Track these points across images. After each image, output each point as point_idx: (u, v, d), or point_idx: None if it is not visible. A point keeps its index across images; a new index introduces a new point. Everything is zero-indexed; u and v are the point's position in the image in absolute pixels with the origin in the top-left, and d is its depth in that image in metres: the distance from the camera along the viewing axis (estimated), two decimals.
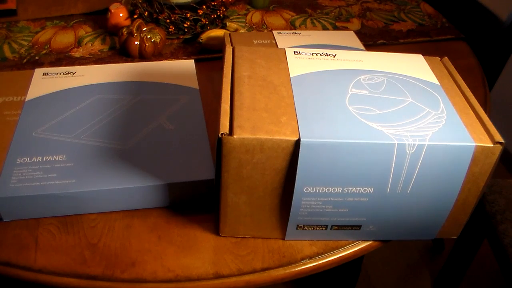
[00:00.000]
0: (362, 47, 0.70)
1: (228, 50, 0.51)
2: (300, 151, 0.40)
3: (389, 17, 0.96)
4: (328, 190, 0.43)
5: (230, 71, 0.47)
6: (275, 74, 0.48)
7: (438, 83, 0.49)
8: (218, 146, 0.40)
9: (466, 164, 0.42)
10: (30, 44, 0.81)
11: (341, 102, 0.45)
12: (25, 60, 0.76)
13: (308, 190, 0.43)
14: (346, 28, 0.90)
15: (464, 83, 0.49)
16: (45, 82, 0.62)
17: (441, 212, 0.46)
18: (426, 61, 0.53)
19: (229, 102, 0.43)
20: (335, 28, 0.91)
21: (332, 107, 0.44)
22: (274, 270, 0.46)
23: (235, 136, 0.39)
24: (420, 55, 0.54)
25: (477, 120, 0.44)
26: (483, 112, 0.45)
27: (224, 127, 0.40)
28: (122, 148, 0.52)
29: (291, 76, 0.48)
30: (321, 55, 0.52)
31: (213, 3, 0.88)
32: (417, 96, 0.46)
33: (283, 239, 0.48)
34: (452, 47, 0.87)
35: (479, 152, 0.41)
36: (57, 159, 0.50)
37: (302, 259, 0.47)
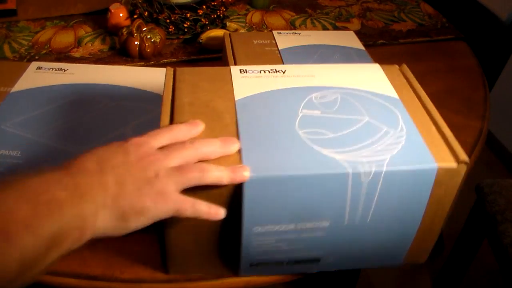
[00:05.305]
0: (362, 47, 0.70)
1: (169, 73, 0.46)
2: (244, 187, 0.36)
3: (389, 17, 0.96)
4: (280, 228, 0.39)
5: (170, 98, 0.43)
6: (220, 98, 0.43)
7: (397, 97, 0.45)
8: None
9: (429, 188, 0.38)
10: (30, 44, 0.81)
11: (290, 126, 0.40)
12: (25, 60, 0.76)
13: (258, 230, 0.39)
14: (346, 28, 0.90)
15: (425, 93, 0.45)
16: (35, 76, 0.62)
17: (405, 239, 0.42)
18: (384, 70, 0.49)
19: None
20: (335, 28, 0.91)
21: (280, 133, 0.40)
22: None
23: None
24: (377, 65, 0.50)
25: (440, 137, 0.40)
26: (447, 127, 0.41)
27: None
28: (79, 153, 0.51)
29: (236, 99, 0.43)
30: (269, 72, 0.48)
31: (213, 3, 0.88)
32: (375, 113, 0.42)
33: (237, 276, 0.44)
34: (452, 47, 0.87)
35: (442, 174, 0.38)
36: (11, 154, 0.50)
37: None
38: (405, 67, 0.49)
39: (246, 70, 0.48)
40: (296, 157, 0.37)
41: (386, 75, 0.48)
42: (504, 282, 0.85)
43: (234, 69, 0.48)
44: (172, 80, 0.46)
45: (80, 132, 0.54)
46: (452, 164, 0.38)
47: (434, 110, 0.43)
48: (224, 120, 0.41)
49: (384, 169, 0.37)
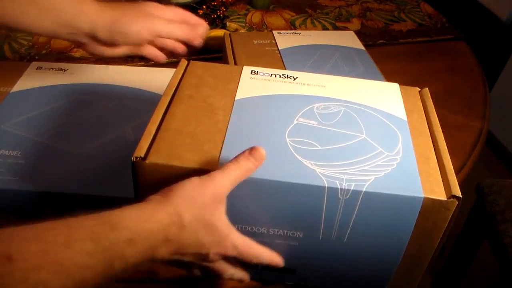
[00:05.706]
0: (362, 47, 0.70)
1: (181, 65, 0.47)
2: None
3: (389, 17, 0.96)
4: (252, 229, 0.38)
5: (173, 89, 0.44)
6: (220, 95, 0.43)
7: (405, 119, 0.43)
8: (132, 169, 0.37)
9: (413, 218, 0.36)
10: (30, 43, 0.81)
11: (280, 132, 0.40)
12: (25, 60, 0.76)
13: None
14: (346, 28, 0.90)
15: (437, 121, 0.43)
16: (36, 76, 0.62)
17: (387, 266, 0.40)
18: (402, 91, 0.47)
19: (157, 124, 0.39)
20: (335, 28, 0.91)
21: (268, 138, 0.39)
22: None
23: (147, 162, 0.36)
24: (396, 84, 0.48)
25: (437, 167, 0.38)
26: (449, 159, 0.39)
27: (141, 150, 0.37)
28: (78, 153, 0.51)
29: (236, 98, 0.43)
30: (280, 76, 0.47)
31: (213, 3, 0.88)
32: (374, 132, 0.41)
33: None
34: (452, 47, 0.87)
35: (429, 206, 0.35)
36: (11, 154, 0.50)
37: None
38: (426, 91, 0.47)
39: (257, 71, 0.47)
40: (273, 162, 0.36)
41: (402, 96, 0.46)
42: (504, 282, 0.85)
43: (246, 69, 0.48)
44: (182, 72, 0.46)
45: (80, 132, 0.54)
46: (441, 196, 0.35)
47: (441, 138, 0.41)
48: (217, 116, 0.41)
49: (364, 189, 0.35)
